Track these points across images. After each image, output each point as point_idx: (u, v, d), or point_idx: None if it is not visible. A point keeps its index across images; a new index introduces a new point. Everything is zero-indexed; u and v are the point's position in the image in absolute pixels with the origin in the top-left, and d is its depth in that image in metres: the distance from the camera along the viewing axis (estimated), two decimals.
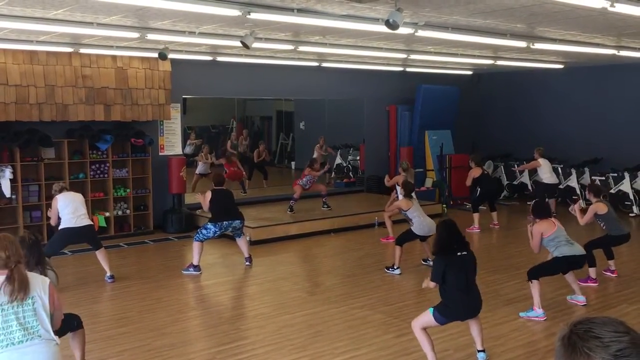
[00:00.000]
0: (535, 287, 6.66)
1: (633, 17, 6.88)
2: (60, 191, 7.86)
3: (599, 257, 7.97)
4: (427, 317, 5.21)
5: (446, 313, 5.19)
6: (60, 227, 7.73)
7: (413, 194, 8.92)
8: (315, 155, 14.07)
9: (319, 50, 10.21)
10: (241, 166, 14.30)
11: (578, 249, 6.84)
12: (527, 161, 13.98)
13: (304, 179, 11.87)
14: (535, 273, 6.76)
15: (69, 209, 7.70)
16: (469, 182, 11.79)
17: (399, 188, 9.85)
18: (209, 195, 8.67)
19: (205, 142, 15.67)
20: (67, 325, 4.52)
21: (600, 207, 7.85)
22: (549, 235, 6.72)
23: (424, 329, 5.21)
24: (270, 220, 11.27)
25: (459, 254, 5.24)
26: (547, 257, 7.33)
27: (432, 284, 5.32)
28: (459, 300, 5.20)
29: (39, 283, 3.54)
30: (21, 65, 9.75)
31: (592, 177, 13.30)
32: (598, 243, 8.08)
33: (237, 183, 14.13)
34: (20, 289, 3.40)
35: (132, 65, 10.83)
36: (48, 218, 7.86)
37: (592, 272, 7.88)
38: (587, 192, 8.46)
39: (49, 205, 7.81)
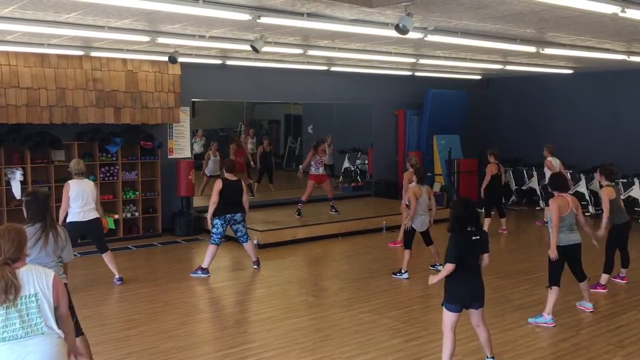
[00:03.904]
0: (552, 293, 6.58)
1: None
2: (77, 174, 7.78)
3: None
4: (444, 314, 5.16)
5: (451, 297, 5.11)
6: (67, 220, 7.70)
7: (425, 190, 8.65)
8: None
9: (328, 54, 10.24)
10: (246, 165, 14.23)
11: (574, 237, 6.63)
12: (535, 166, 13.91)
13: (313, 166, 11.81)
14: (552, 278, 6.63)
15: (78, 203, 7.68)
16: (487, 180, 11.31)
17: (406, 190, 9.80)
18: (219, 185, 8.53)
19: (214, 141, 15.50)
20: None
21: (610, 193, 7.59)
22: (561, 216, 6.49)
23: (453, 330, 5.12)
24: (278, 223, 11.28)
25: (473, 237, 5.07)
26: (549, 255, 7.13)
27: (449, 267, 4.99)
28: (461, 281, 5.06)
29: (43, 278, 3.45)
30: (32, 68, 9.82)
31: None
32: (613, 243, 7.83)
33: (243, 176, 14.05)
34: (5, 292, 3.28)
35: (142, 68, 10.89)
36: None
37: (604, 278, 7.80)
38: (598, 174, 8.06)
39: (59, 207, 7.87)
